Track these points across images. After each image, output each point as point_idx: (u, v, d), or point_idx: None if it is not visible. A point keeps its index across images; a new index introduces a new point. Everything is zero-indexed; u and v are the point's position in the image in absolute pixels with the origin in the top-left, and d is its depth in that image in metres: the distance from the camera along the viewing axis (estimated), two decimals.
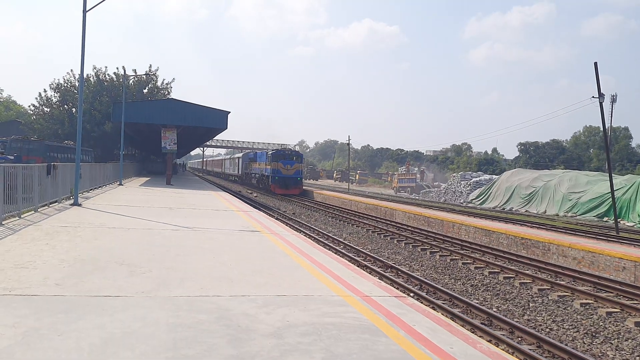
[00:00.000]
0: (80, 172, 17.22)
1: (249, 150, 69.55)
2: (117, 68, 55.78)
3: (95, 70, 48.57)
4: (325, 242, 16.97)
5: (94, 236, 10.10)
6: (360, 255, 15.06)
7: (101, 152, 48.19)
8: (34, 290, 5.93)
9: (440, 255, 15.36)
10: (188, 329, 4.90)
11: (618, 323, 9.18)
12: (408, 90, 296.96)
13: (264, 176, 42.85)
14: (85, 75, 41.22)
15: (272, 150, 44.61)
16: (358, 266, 11.47)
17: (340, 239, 17.88)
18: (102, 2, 16.55)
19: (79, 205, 15.91)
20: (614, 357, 7.57)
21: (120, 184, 28.84)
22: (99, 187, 24.52)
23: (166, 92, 49.80)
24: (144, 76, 47.20)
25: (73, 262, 7.54)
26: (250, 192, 43.63)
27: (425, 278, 12.22)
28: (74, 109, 46.27)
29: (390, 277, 11.97)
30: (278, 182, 39.53)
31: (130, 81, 46.14)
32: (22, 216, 12.25)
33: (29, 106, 53.90)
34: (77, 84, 45.97)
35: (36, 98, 49.16)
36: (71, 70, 53.70)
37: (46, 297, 5.70)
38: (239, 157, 59.92)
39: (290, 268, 8.25)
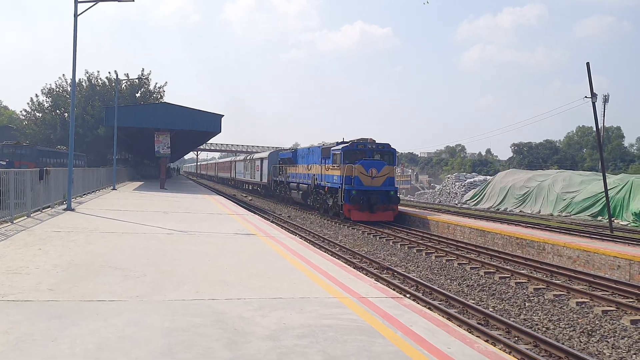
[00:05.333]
0: (73, 177, 17.11)
1: (280, 148, 47.03)
2: (110, 72, 55.65)
3: (87, 75, 48.35)
4: (321, 244, 16.93)
5: (87, 241, 10.02)
6: (356, 257, 15.03)
7: (94, 157, 47.96)
8: (27, 296, 5.86)
9: (436, 256, 15.35)
10: (183, 333, 4.85)
11: (614, 321, 9.19)
12: (402, 93, 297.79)
13: (324, 189, 25.94)
14: (77, 80, 41.00)
15: (341, 143, 25.35)
16: (354, 268, 11.44)
17: (335, 242, 17.84)
18: (92, 6, 16.49)
19: (72, 210, 15.81)
20: (611, 356, 7.56)
21: (114, 189, 28.70)
22: (93, 191, 24.39)
23: (159, 96, 49.55)
24: (137, 80, 47.00)
25: (66, 267, 7.47)
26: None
27: (422, 279, 12.20)
28: (66, 114, 46.01)
29: (387, 278, 11.95)
30: (356, 200, 22.59)
31: (123, 85, 45.97)
32: (14, 221, 12.14)
33: (21, 111, 53.56)
34: (69, 89, 45.75)
35: (28, 103, 48.83)
36: (63, 74, 53.53)
37: (39, 303, 5.64)
38: (262, 159, 40.63)
39: (286, 270, 8.21)
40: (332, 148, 25.09)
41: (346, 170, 23.09)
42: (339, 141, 25.66)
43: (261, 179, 40.53)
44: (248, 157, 47.84)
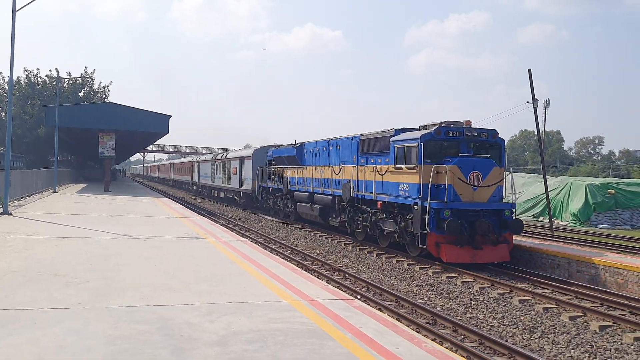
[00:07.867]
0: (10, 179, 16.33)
1: (271, 145, 29.93)
2: (50, 70, 53.37)
3: (26, 73, 46.12)
4: (273, 247, 16.82)
5: (25, 246, 9.56)
6: (308, 259, 15.01)
7: (34, 158, 45.90)
8: None
9: (386, 257, 15.53)
10: (128, 341, 4.69)
11: (554, 318, 9.57)
12: (353, 95, 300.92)
13: (374, 205, 16.32)
14: (15, 78, 39.11)
15: (405, 130, 15.41)
16: (306, 270, 11.42)
17: (287, 244, 17.77)
18: (32, 2, 15.80)
19: (9, 214, 15.09)
20: (551, 351, 7.87)
21: (55, 191, 27.58)
22: (32, 194, 23.37)
23: (103, 96, 47.92)
24: (79, 79, 45.33)
25: (2, 274, 7.10)
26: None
27: (372, 280, 12.31)
28: (2, 113, 43.85)
29: (338, 280, 11.99)
30: (455, 227, 12.93)
31: (65, 84, 44.19)
32: None
33: None
34: (6, 87, 43.60)
35: None
36: (0, 72, 51.00)
37: None
38: (242, 158, 31.17)
39: (235, 274, 8.10)
40: (394, 139, 15.16)
41: (432, 174, 13.41)
42: (398, 128, 15.57)
43: (240, 185, 31.27)
44: (219, 157, 37.38)
